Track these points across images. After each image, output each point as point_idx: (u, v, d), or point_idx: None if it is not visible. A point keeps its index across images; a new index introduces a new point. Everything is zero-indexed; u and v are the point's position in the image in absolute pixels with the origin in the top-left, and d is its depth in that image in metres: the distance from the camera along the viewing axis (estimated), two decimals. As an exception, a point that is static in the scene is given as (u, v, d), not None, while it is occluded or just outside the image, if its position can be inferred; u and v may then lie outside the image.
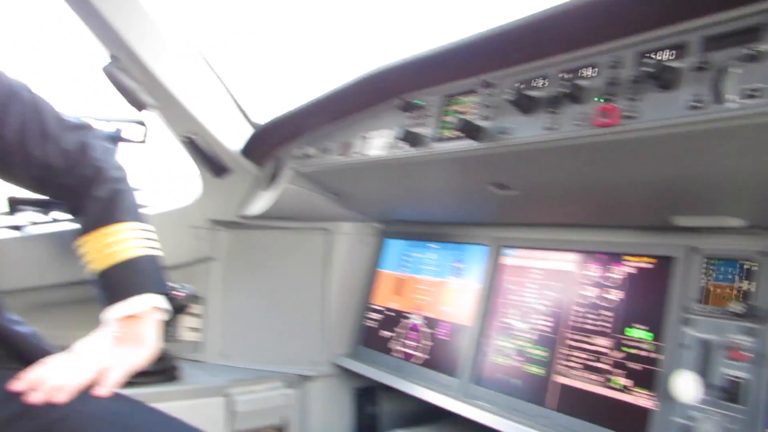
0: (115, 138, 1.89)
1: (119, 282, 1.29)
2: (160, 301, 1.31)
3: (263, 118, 2.19)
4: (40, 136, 1.27)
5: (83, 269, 1.34)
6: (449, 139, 1.46)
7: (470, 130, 1.35)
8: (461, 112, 1.45)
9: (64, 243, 2.03)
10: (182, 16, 1.93)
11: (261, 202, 2.13)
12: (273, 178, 2.11)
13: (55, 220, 2.00)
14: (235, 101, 2.13)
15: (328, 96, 1.70)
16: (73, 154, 1.31)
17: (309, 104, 1.78)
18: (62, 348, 1.24)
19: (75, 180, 1.32)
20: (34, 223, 1.97)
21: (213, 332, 2.32)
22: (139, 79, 1.83)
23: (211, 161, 2.08)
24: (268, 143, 2.04)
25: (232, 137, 2.10)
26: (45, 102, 1.30)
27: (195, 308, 2.30)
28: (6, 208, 1.97)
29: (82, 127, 1.36)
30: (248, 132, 2.16)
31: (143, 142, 1.92)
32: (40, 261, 2.02)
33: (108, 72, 1.85)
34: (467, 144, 1.38)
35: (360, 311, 2.29)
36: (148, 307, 1.29)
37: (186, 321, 2.30)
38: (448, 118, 1.49)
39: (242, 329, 2.33)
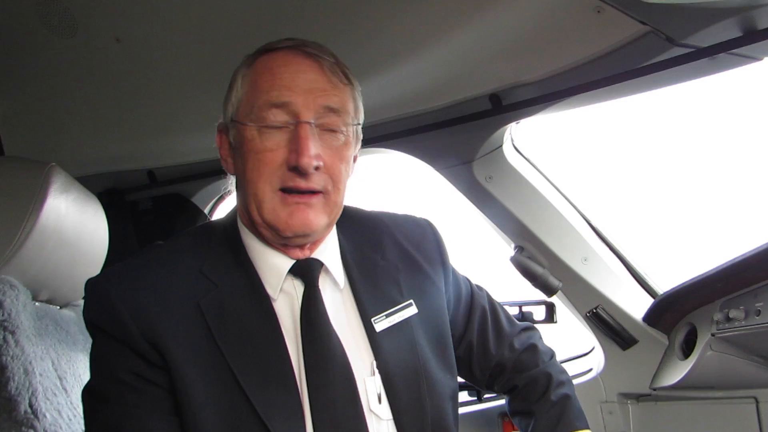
0: (528, 321, 2.04)
1: None
2: None
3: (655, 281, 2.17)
4: (496, 335, 1.43)
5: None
6: None
7: None
8: None
9: (488, 421, 2.20)
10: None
11: (675, 372, 2.03)
12: (686, 345, 2.01)
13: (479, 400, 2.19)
14: (631, 269, 2.16)
15: (758, 254, 1.61)
16: (523, 354, 1.43)
17: (732, 265, 1.70)
18: None
19: (525, 381, 1.41)
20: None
21: None
22: (544, 264, 2.00)
23: (617, 333, 2.08)
24: (678, 310, 1.97)
25: (633, 306, 2.10)
26: (497, 303, 1.49)
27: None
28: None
29: (530, 329, 1.51)
30: (643, 298, 2.14)
31: (554, 322, 2.04)
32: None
33: (515, 261, 2.06)
34: None
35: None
36: None
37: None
38: None
39: None
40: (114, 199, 2.56)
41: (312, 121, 1.08)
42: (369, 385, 1.13)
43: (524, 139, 2.04)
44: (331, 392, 1.09)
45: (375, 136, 2.03)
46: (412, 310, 1.23)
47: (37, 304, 1.44)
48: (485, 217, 2.09)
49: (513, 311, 2.14)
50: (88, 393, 1.09)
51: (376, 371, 1.14)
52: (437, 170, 2.06)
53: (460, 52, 1.58)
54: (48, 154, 1.75)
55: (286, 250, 1.16)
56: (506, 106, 1.79)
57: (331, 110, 1.10)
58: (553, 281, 2.00)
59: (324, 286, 1.18)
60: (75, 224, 1.45)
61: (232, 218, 1.21)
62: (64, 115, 1.88)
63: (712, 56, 1.40)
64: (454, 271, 1.41)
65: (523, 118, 1.88)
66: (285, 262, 1.15)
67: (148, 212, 2.66)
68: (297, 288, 1.16)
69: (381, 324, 1.18)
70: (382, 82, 1.68)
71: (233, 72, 1.16)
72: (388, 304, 1.21)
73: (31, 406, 1.22)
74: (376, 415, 1.12)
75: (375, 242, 1.28)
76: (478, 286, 1.48)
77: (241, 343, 1.07)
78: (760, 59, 1.47)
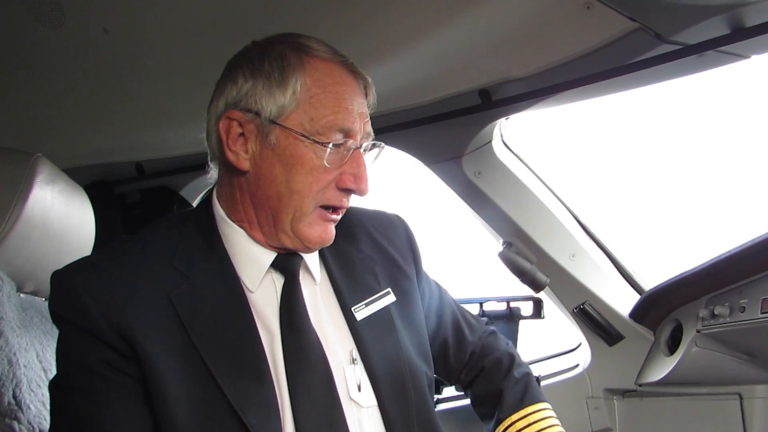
0: (516, 316, 2.06)
1: None
2: None
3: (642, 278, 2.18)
4: (469, 329, 1.50)
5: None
6: None
7: None
8: None
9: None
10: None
11: (660, 368, 2.04)
12: (671, 341, 2.02)
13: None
14: (618, 265, 2.17)
15: (742, 251, 1.62)
16: (487, 339, 1.52)
17: (717, 262, 1.71)
18: None
19: (491, 362, 1.49)
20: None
21: None
22: (532, 260, 2.01)
23: (603, 330, 2.09)
24: (663, 307, 1.99)
25: (619, 302, 2.12)
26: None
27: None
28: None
29: (488, 323, 1.60)
30: (630, 294, 2.16)
31: (542, 317, 2.05)
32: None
33: (503, 257, 2.07)
34: None
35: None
36: None
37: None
38: None
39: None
40: (101, 191, 2.54)
41: (363, 145, 1.14)
42: (348, 374, 1.15)
43: (514, 134, 2.04)
44: (309, 383, 1.10)
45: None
46: (391, 298, 1.27)
47: (21, 295, 1.43)
48: (474, 212, 2.10)
49: (501, 306, 2.15)
50: (55, 385, 1.08)
51: (358, 359, 1.16)
52: (426, 165, 2.06)
53: (449, 47, 1.58)
54: (34, 145, 1.73)
55: (273, 247, 1.17)
56: (496, 101, 1.79)
57: (369, 134, 1.16)
58: (541, 277, 2.01)
59: (303, 279, 1.19)
60: (61, 216, 1.44)
61: (205, 209, 1.21)
62: (51, 106, 1.87)
63: (700, 53, 1.40)
64: (425, 274, 1.45)
65: (512, 114, 1.88)
66: (267, 256, 1.16)
67: (136, 205, 2.64)
68: (277, 281, 1.17)
69: (361, 313, 1.21)
70: (371, 76, 1.68)
71: (276, 64, 1.11)
72: (366, 293, 1.24)
73: (15, 397, 1.21)
74: (357, 403, 1.13)
75: (349, 236, 1.30)
76: (439, 284, 1.53)
77: (214, 335, 1.07)
78: (748, 57, 1.48)
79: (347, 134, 1.11)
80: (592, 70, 1.58)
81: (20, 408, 1.20)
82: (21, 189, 1.33)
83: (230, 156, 1.12)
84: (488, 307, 2.13)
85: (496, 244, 2.14)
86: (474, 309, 2.14)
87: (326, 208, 1.13)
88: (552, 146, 2.27)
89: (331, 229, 1.16)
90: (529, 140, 2.07)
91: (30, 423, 1.21)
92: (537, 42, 1.57)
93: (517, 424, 1.40)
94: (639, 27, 1.41)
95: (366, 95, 1.17)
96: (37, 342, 1.37)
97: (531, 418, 1.40)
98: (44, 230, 1.39)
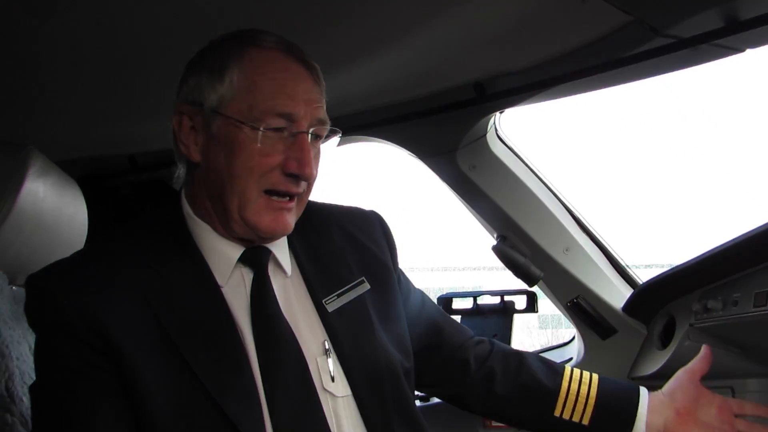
0: (510, 310, 2.06)
1: None
2: None
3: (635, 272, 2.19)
4: (456, 327, 1.48)
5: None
6: None
7: None
8: None
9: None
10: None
11: (653, 362, 2.05)
12: (664, 335, 2.03)
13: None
14: (612, 259, 2.17)
15: (735, 245, 1.63)
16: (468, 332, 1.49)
17: (710, 256, 1.72)
18: None
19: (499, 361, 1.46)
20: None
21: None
22: (526, 254, 2.01)
23: (596, 323, 2.10)
24: (657, 300, 1.99)
25: (613, 296, 2.12)
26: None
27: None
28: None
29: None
30: (623, 288, 2.16)
31: (536, 311, 2.05)
32: None
33: (497, 251, 2.07)
34: None
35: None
36: None
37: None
38: None
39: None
40: (94, 184, 2.53)
41: (310, 131, 1.13)
42: (321, 364, 1.16)
43: (509, 128, 2.05)
44: (283, 373, 1.12)
45: (357, 125, 2.02)
46: (365, 287, 1.27)
47: (14, 288, 1.43)
48: (468, 206, 2.10)
49: (495, 300, 2.16)
50: (34, 388, 1.09)
51: (331, 350, 1.18)
52: (420, 159, 2.06)
53: (444, 41, 1.58)
54: (25, 137, 1.72)
55: (240, 241, 1.18)
56: (490, 95, 1.79)
57: (321, 121, 1.15)
58: (535, 271, 2.01)
59: (273, 273, 1.21)
60: (53, 209, 1.43)
61: (173, 207, 1.22)
62: (43, 98, 1.85)
63: (694, 47, 1.41)
64: (401, 271, 1.43)
65: (507, 108, 1.88)
66: (235, 251, 1.18)
67: (129, 198, 2.63)
68: (246, 275, 1.18)
69: (333, 304, 1.22)
70: (364, 70, 1.67)
71: (217, 57, 1.15)
72: (338, 284, 1.25)
73: (7, 389, 1.21)
74: (331, 393, 1.15)
75: (320, 229, 1.31)
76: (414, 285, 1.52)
77: (191, 330, 1.09)
78: (743, 50, 1.48)
79: (289, 119, 1.11)
80: (586, 64, 1.58)
81: (13, 400, 1.20)
82: (13, 181, 1.33)
83: (182, 148, 1.16)
84: (482, 300, 2.14)
85: (490, 238, 2.14)
86: (468, 303, 2.15)
87: (273, 193, 1.13)
88: (547, 140, 2.27)
89: (285, 218, 1.15)
90: (524, 134, 2.07)
91: (22, 415, 1.21)
92: (532, 35, 1.56)
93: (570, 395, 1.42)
94: (633, 20, 1.41)
95: (317, 82, 1.17)
96: (30, 334, 1.37)
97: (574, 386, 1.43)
98: (36, 223, 1.38)
